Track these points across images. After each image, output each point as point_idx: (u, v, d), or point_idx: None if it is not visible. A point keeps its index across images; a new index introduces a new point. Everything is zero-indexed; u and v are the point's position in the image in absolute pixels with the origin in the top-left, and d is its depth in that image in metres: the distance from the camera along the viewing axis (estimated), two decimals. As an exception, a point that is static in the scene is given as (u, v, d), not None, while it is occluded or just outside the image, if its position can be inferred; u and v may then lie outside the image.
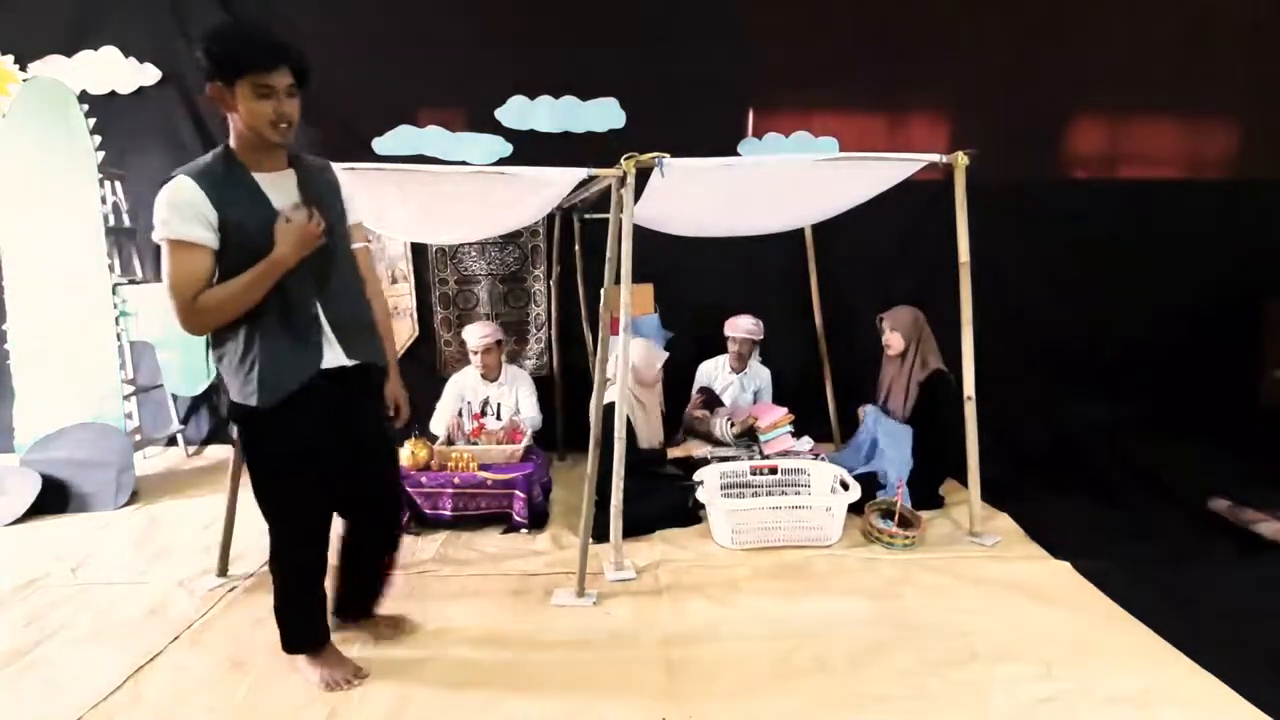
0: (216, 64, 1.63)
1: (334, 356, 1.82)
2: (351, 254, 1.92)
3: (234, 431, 1.79)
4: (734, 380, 3.95)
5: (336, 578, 2.14)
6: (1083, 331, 4.27)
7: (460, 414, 3.51)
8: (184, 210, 1.63)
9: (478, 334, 3.52)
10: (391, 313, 4.26)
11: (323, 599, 2.03)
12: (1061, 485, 3.51)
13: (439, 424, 3.52)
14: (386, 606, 2.31)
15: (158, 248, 1.67)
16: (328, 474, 1.88)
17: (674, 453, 3.62)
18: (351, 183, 1.94)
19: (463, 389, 3.60)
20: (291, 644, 2.02)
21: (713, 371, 4.02)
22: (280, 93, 1.64)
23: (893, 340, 3.44)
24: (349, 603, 2.20)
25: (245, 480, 2.79)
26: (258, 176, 1.72)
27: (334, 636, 2.09)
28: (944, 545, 2.92)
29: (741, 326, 3.84)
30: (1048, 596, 2.46)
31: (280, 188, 1.75)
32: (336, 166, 1.93)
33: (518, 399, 3.61)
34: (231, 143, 1.73)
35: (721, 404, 3.88)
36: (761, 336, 3.88)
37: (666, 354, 3.71)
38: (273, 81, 1.63)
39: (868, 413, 3.51)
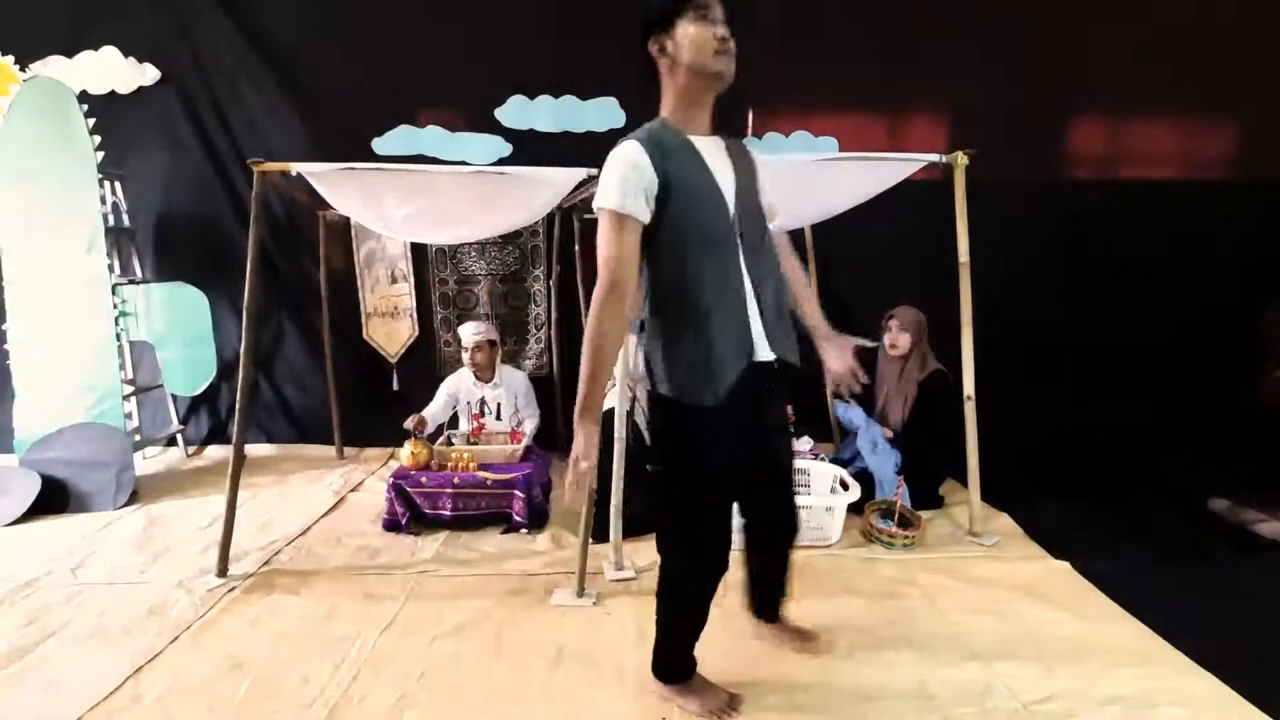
0: (659, 10, 1.60)
1: (761, 350, 1.73)
2: (773, 239, 1.82)
3: (646, 428, 1.65)
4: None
5: (747, 578, 2.13)
6: (1082, 331, 4.26)
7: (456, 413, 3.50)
8: (630, 181, 1.55)
9: (470, 330, 3.50)
10: (393, 312, 4.35)
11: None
12: (1061, 485, 3.51)
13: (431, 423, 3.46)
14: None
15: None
16: (742, 474, 1.81)
17: None
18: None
19: (456, 391, 3.58)
20: (670, 672, 1.93)
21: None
22: (718, 19, 1.61)
23: (900, 340, 3.41)
24: (761, 602, 2.17)
25: (245, 480, 2.81)
26: (694, 140, 1.66)
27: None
28: (944, 545, 2.92)
29: None
30: (1048, 596, 2.47)
31: (714, 154, 1.69)
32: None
33: (516, 403, 3.59)
34: (664, 112, 1.69)
35: None
36: None
37: None
38: (709, 2, 1.60)
39: (855, 423, 3.46)
